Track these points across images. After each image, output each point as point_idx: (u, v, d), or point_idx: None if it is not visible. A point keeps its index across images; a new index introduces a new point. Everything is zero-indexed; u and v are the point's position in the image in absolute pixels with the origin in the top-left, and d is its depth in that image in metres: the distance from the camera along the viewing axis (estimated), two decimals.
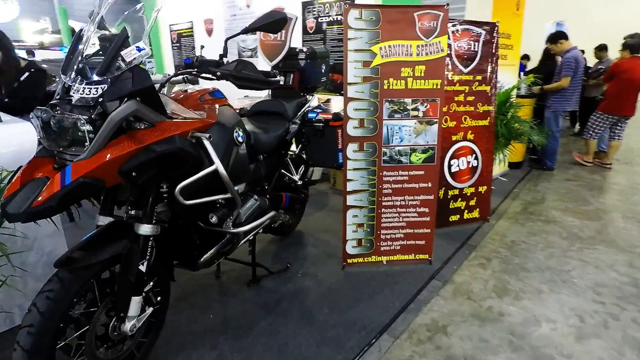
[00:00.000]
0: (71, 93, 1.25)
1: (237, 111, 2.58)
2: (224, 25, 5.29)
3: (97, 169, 1.16)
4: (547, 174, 4.51)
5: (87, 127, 1.16)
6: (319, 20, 4.83)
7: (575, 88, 4.40)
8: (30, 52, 9.52)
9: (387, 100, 2.19)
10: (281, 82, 2.50)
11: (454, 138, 2.88)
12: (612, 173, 4.55)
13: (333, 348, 1.75)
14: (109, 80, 1.22)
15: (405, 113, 2.22)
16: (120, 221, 1.43)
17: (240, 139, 1.63)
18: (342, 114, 2.21)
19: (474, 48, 2.80)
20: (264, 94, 2.69)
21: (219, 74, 1.43)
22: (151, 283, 1.52)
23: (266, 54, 2.80)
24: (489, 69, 2.87)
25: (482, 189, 3.07)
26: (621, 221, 3.13)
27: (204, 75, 1.48)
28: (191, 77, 1.50)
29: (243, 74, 1.42)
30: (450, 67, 2.75)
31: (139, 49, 1.23)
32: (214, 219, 1.59)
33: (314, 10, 4.75)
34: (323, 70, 2.72)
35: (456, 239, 2.80)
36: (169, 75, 1.48)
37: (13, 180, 1.20)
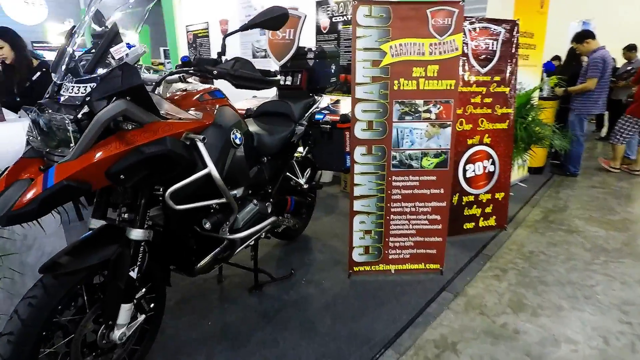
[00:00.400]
0: (62, 92, 1.20)
1: (244, 111, 2.53)
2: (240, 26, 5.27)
3: (82, 171, 1.10)
4: (570, 180, 4.29)
5: (72, 127, 1.11)
6: (333, 20, 4.75)
7: (602, 90, 4.17)
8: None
9: (397, 102, 2.08)
10: (288, 83, 2.43)
11: (469, 142, 2.74)
12: None
13: None
14: (98, 78, 1.17)
15: (417, 115, 2.11)
16: (113, 225, 1.38)
17: (237, 141, 1.56)
18: (350, 115, 2.11)
19: (493, 47, 2.66)
20: (272, 94, 2.62)
21: (215, 72, 1.36)
22: (143, 290, 1.46)
23: (274, 53, 2.73)
24: (508, 69, 2.72)
25: (499, 195, 2.92)
26: None
27: (200, 74, 1.42)
28: (186, 76, 1.43)
29: (240, 73, 1.35)
30: (466, 67, 2.62)
31: (129, 46, 1.18)
32: (207, 225, 1.52)
33: (328, 10, 4.67)
34: (333, 71, 2.64)
35: (470, 248, 2.66)
36: (165, 73, 1.42)
37: None
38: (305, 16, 2.67)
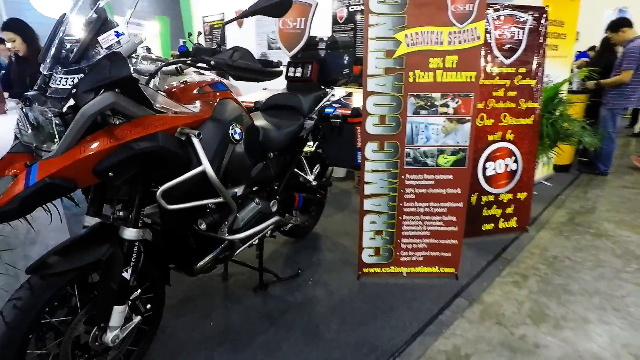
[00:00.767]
0: (50, 83, 1.14)
1: (252, 104, 2.44)
2: (255, 17, 5.18)
3: (66, 168, 1.03)
4: (599, 180, 4.03)
5: (56, 121, 1.04)
6: (350, 9, 4.59)
7: (637, 83, 3.88)
8: None
9: (412, 95, 1.94)
10: (298, 74, 2.32)
11: (490, 138, 2.58)
12: None
13: None
14: (85, 69, 1.09)
15: (433, 109, 1.97)
16: (106, 223, 1.32)
17: (237, 137, 1.47)
18: (362, 109, 2.00)
19: (518, 36, 2.47)
20: (282, 86, 2.52)
21: (212, 62, 1.27)
22: (139, 290, 1.40)
23: (285, 43, 2.63)
24: (535, 60, 2.53)
25: (522, 195, 2.74)
26: None
27: (198, 65, 1.33)
28: (184, 67, 1.35)
29: (238, 64, 1.25)
30: (489, 58, 2.45)
31: (117, 34, 1.10)
32: (202, 226, 1.44)
33: None
34: (346, 62, 2.51)
35: (488, 250, 2.51)
36: (161, 63, 1.34)
37: None
38: (317, 4, 2.54)
